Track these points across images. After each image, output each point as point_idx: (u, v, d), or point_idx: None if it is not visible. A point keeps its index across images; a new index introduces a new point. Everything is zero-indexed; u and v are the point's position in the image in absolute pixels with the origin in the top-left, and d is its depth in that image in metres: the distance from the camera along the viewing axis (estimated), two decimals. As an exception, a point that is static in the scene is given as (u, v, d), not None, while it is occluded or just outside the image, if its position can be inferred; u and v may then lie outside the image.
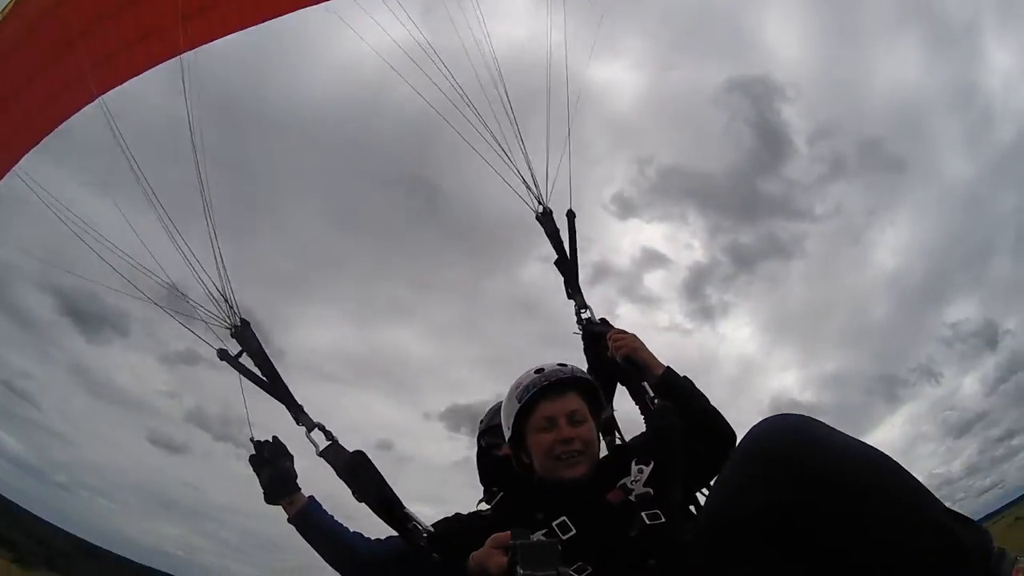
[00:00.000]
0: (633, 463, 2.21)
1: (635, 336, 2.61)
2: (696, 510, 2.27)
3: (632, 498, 2.12)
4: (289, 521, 2.44)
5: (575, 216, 3.02)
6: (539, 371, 2.30)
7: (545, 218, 3.01)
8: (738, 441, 2.32)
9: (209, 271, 2.72)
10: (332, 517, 2.47)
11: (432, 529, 2.23)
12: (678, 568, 1.85)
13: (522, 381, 2.31)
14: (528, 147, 2.99)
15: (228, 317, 2.69)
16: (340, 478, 2.34)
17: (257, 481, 2.48)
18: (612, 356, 2.59)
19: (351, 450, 2.39)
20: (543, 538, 1.93)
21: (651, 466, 2.18)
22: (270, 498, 2.44)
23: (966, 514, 1.50)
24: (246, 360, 2.65)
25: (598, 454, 2.30)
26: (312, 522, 2.43)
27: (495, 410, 2.73)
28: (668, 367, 2.51)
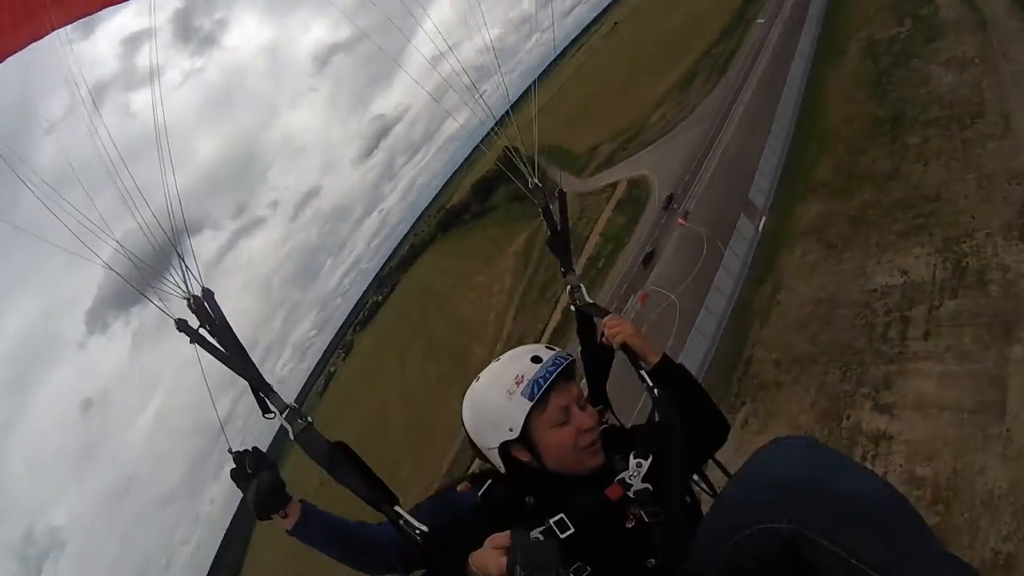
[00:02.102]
0: (631, 456, 2.10)
1: (631, 323, 2.52)
2: (691, 499, 2.20)
3: (631, 494, 2.03)
4: (290, 533, 2.17)
5: (565, 194, 2.95)
6: (536, 359, 2.11)
7: (536, 193, 2.93)
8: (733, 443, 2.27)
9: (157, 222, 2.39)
10: (329, 513, 2.24)
11: (425, 528, 2.04)
12: (678, 568, 1.81)
13: (522, 373, 2.08)
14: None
15: (184, 284, 2.32)
16: (319, 464, 2.13)
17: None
18: (607, 343, 2.49)
19: (332, 440, 2.16)
20: (542, 538, 1.86)
21: (649, 460, 2.08)
22: (262, 514, 2.14)
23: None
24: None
25: None
26: (314, 527, 2.19)
27: None
28: (665, 354, 2.39)
